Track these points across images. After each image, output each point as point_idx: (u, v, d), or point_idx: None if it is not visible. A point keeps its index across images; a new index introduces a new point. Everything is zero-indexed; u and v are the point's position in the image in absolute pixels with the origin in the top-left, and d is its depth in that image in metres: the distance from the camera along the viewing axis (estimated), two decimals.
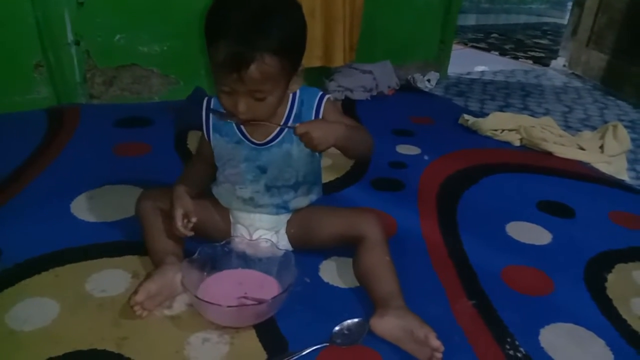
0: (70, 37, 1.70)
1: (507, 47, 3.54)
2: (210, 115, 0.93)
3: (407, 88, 2.24)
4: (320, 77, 2.08)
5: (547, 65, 3.01)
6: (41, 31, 1.65)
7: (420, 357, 0.76)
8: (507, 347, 0.82)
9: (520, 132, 1.70)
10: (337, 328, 0.81)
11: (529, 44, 3.74)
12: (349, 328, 0.81)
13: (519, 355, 0.80)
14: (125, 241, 1.03)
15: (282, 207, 0.97)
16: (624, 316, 0.91)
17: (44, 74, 1.72)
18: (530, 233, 1.16)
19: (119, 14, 1.73)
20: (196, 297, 0.80)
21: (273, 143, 0.91)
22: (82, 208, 1.13)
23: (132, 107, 1.80)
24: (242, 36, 0.75)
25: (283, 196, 0.95)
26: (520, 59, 3.17)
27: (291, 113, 0.90)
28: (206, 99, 0.95)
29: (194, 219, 0.90)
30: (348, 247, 0.95)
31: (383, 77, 2.14)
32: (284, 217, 0.98)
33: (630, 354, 0.83)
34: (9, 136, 1.51)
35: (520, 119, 1.78)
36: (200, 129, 0.96)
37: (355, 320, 0.83)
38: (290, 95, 0.90)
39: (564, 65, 2.90)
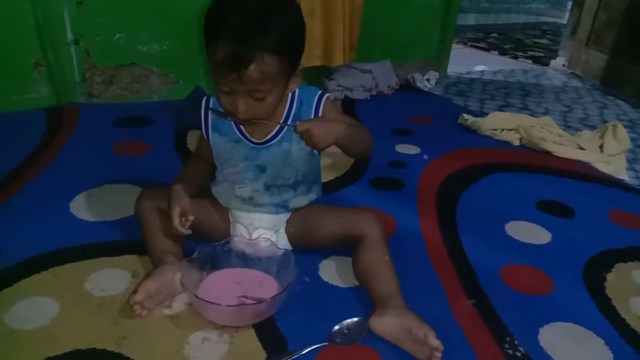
0: (69, 37, 1.70)
1: (506, 46, 3.54)
2: (209, 114, 0.93)
3: (407, 87, 2.24)
4: (319, 76, 2.08)
5: (547, 64, 3.01)
6: (41, 30, 1.65)
7: (419, 357, 0.76)
8: (507, 346, 0.82)
9: (520, 131, 1.70)
10: (336, 327, 0.81)
11: (529, 43, 3.74)
12: (348, 327, 0.81)
13: (518, 354, 0.80)
14: (125, 240, 1.03)
15: (282, 207, 0.96)
16: (623, 316, 0.91)
17: (44, 73, 1.71)
18: (530, 232, 1.16)
19: (118, 13, 1.73)
20: (196, 296, 0.80)
21: (272, 142, 0.91)
22: (81, 207, 1.13)
23: (131, 106, 1.80)
24: (241, 36, 0.75)
25: (282, 195, 0.95)
26: (519, 59, 3.17)
27: (290, 112, 0.90)
28: (205, 98, 0.95)
29: (191, 217, 0.90)
30: (347, 247, 0.95)
31: (383, 76, 2.14)
32: (284, 217, 0.98)
33: (629, 354, 0.83)
34: (8, 135, 1.51)
35: (520, 118, 1.78)
36: (200, 128, 0.96)
37: (355, 319, 0.83)
38: (290, 94, 0.90)
39: (564, 65, 2.90)
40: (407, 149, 1.59)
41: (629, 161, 1.62)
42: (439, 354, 0.74)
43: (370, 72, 2.10)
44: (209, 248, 0.91)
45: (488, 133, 1.74)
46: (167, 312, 0.85)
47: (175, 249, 0.92)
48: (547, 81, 2.66)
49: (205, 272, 0.90)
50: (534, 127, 1.69)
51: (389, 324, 0.79)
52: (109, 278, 0.92)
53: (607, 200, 1.34)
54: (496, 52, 3.33)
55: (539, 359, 0.80)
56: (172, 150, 1.47)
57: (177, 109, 1.74)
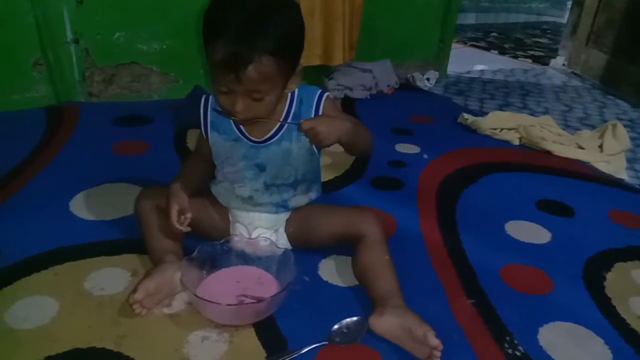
0: (69, 36, 1.70)
1: (506, 46, 3.54)
2: (209, 112, 0.93)
3: (407, 87, 2.24)
4: (319, 75, 2.08)
5: (547, 64, 3.01)
6: (40, 29, 1.65)
7: (419, 356, 0.76)
8: (506, 345, 0.82)
9: (520, 131, 1.70)
10: (336, 326, 0.81)
11: (529, 43, 3.74)
12: (348, 327, 0.81)
13: (518, 354, 0.80)
14: (124, 239, 1.02)
15: (281, 206, 0.96)
16: (623, 315, 0.91)
17: (43, 72, 1.71)
18: (530, 232, 1.16)
19: (118, 12, 1.73)
20: (195, 295, 0.80)
21: (272, 141, 0.91)
22: (81, 206, 1.13)
23: (131, 105, 1.80)
24: (240, 36, 0.75)
25: (282, 195, 0.95)
26: (519, 58, 3.17)
27: (290, 111, 0.90)
28: (204, 96, 0.95)
29: (189, 215, 0.90)
30: (347, 246, 0.95)
31: (382, 75, 2.14)
32: (283, 216, 0.98)
33: (629, 353, 0.83)
34: (8, 134, 1.51)
35: (520, 118, 1.78)
36: (200, 127, 0.96)
37: (354, 318, 0.83)
38: (289, 93, 0.90)
39: (564, 64, 2.90)
40: (407, 148, 1.59)
41: (628, 161, 1.62)
42: (438, 353, 0.74)
43: (370, 71, 2.10)
44: (208, 247, 0.91)
45: (488, 132, 1.74)
46: (166, 311, 0.85)
47: (175, 248, 0.92)
48: (547, 80, 2.66)
49: (205, 271, 0.90)
50: (533, 127, 1.69)
51: (389, 323, 0.79)
52: (108, 277, 0.92)
53: (607, 199, 1.34)
54: (496, 52, 3.33)
55: (538, 359, 0.80)
56: (172, 150, 1.47)
57: (177, 108, 1.74)
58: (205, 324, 0.82)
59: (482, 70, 2.79)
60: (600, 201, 1.33)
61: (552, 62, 3.00)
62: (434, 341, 0.73)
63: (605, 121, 1.90)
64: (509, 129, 1.73)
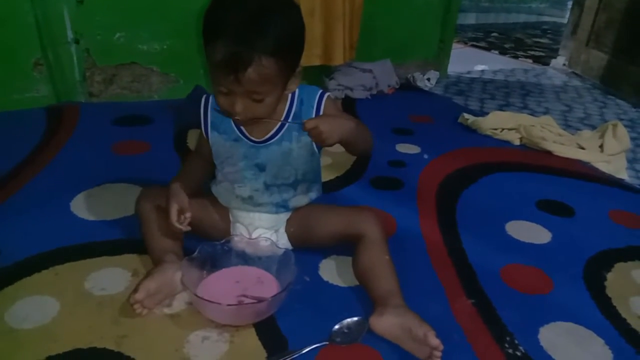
0: (69, 36, 1.70)
1: (507, 46, 3.54)
2: (209, 112, 0.93)
3: (407, 87, 2.24)
4: (320, 75, 2.08)
5: (547, 64, 3.01)
6: (41, 29, 1.65)
7: (419, 356, 0.76)
8: (506, 345, 0.82)
9: (520, 131, 1.70)
10: (336, 327, 0.81)
11: (529, 43, 3.74)
12: (348, 327, 0.81)
13: (518, 354, 0.80)
14: (125, 239, 1.02)
15: (282, 206, 0.96)
16: (623, 315, 0.91)
17: (44, 72, 1.71)
18: (530, 232, 1.16)
19: (118, 12, 1.73)
20: (196, 295, 0.80)
21: (272, 141, 0.91)
22: (81, 206, 1.13)
23: (131, 105, 1.80)
24: (240, 36, 0.75)
25: (282, 195, 0.95)
26: (520, 58, 3.17)
27: (290, 111, 0.90)
28: (205, 96, 0.95)
29: (188, 214, 0.90)
30: (347, 246, 0.95)
31: (383, 75, 2.14)
32: (284, 216, 0.98)
33: (629, 353, 0.83)
34: (8, 134, 1.51)
35: (520, 118, 1.78)
36: (200, 127, 0.96)
37: (355, 318, 0.83)
38: (290, 94, 0.90)
39: (564, 64, 2.90)
40: (407, 148, 1.59)
41: (629, 161, 1.62)
42: (438, 353, 0.73)
43: (370, 71, 2.10)
44: (209, 247, 0.91)
45: (488, 132, 1.74)
46: (167, 311, 0.85)
47: (175, 248, 0.92)
48: (548, 80, 2.66)
49: (205, 272, 0.90)
50: (534, 127, 1.69)
51: (389, 323, 0.79)
52: (109, 277, 0.92)
53: (607, 199, 1.34)
54: (496, 52, 3.33)
55: (539, 359, 0.80)
56: (172, 150, 1.47)
57: (177, 108, 1.74)
58: (205, 324, 0.82)
59: (482, 71, 2.79)
60: (600, 201, 1.33)
61: (553, 62, 3.00)
62: (434, 341, 0.73)
63: (606, 121, 1.90)
64: (510, 129, 1.73)
